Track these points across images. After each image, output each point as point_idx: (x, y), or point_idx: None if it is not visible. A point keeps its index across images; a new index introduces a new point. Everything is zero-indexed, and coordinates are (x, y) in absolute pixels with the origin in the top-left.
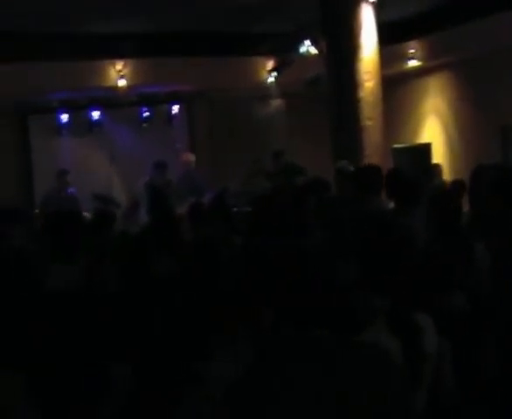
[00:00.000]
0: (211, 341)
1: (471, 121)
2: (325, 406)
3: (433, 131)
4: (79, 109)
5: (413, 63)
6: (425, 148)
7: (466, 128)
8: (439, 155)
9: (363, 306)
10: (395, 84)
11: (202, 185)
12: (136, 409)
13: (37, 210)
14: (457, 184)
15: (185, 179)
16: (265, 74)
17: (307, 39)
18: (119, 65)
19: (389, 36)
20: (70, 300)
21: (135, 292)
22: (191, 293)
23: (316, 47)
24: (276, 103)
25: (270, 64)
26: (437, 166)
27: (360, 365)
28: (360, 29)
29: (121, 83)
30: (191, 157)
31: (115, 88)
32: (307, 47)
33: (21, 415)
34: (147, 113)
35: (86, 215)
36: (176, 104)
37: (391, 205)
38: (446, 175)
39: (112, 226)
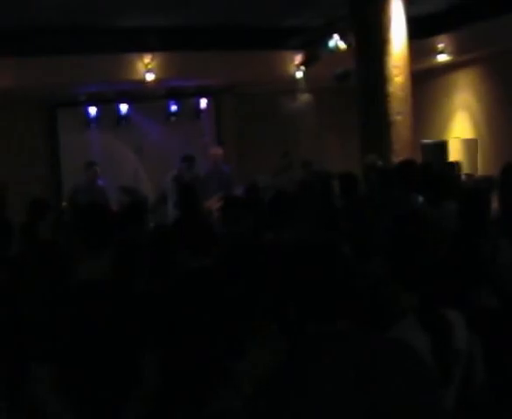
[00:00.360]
0: (241, 339)
1: (501, 117)
2: (343, 405)
3: (463, 126)
4: (107, 102)
5: (443, 57)
6: (453, 144)
7: (495, 124)
8: (467, 151)
9: (391, 303)
10: (424, 79)
11: (230, 179)
12: (165, 405)
13: (65, 202)
14: (486, 181)
15: (214, 173)
16: (293, 68)
17: (335, 33)
18: (147, 59)
19: (418, 30)
20: (99, 292)
21: (163, 288)
22: (221, 290)
23: (345, 41)
24: (305, 97)
25: (299, 58)
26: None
27: (380, 361)
28: (389, 23)
29: (149, 77)
30: (220, 151)
31: (143, 82)
32: (336, 41)
33: (52, 407)
34: (174, 107)
35: (114, 207)
36: (204, 98)
37: (421, 199)
38: (476, 171)
39: (144, 218)
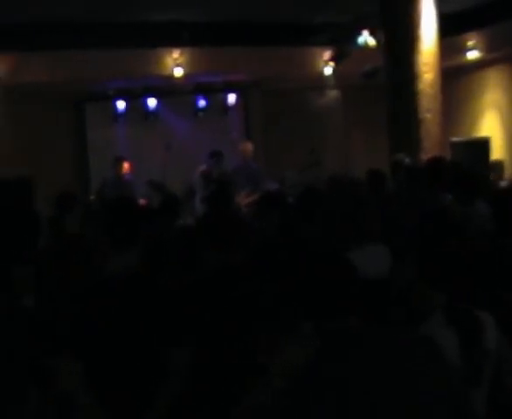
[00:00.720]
0: (274, 335)
1: None
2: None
3: (492, 125)
4: (135, 97)
5: (473, 55)
6: (484, 142)
7: None
8: (498, 150)
9: (419, 301)
10: (454, 76)
11: (259, 175)
12: (194, 401)
13: (92, 196)
14: None
15: (242, 168)
16: (322, 65)
17: (365, 30)
18: (175, 54)
19: (448, 27)
20: (126, 287)
21: (191, 284)
22: (250, 287)
23: (375, 38)
24: (333, 94)
25: (327, 54)
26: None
27: (380, 361)
28: (419, 20)
29: (178, 72)
30: (250, 146)
31: (171, 77)
32: (366, 38)
33: (80, 401)
34: (202, 103)
35: (141, 202)
36: (232, 93)
37: (450, 197)
38: (506, 170)
39: (177, 213)
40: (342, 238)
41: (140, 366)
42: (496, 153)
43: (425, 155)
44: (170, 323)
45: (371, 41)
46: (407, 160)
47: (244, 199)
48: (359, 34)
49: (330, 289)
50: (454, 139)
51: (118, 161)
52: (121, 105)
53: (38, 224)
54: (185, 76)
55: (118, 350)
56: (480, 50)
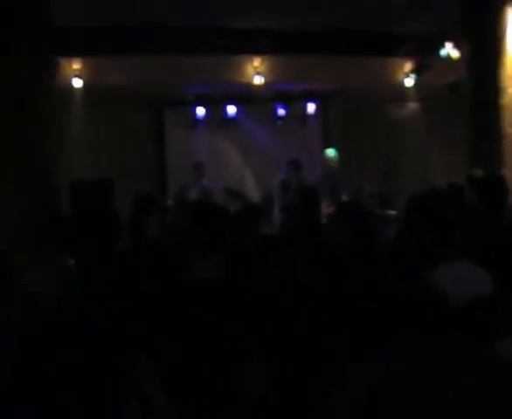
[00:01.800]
0: (355, 344)
1: None
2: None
3: None
4: (214, 103)
5: None
6: None
7: None
8: None
9: (504, 313)
10: None
11: (341, 185)
12: (271, 409)
13: (170, 201)
14: None
15: (325, 179)
16: (403, 76)
17: (448, 42)
18: (256, 62)
19: None
20: (210, 291)
21: (273, 291)
22: (336, 298)
23: (458, 50)
24: (413, 106)
25: (409, 65)
26: None
27: (449, 379)
28: (504, 32)
29: (258, 79)
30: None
31: (251, 84)
32: (449, 50)
33: (157, 402)
34: (282, 111)
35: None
36: (312, 102)
37: None
38: None
39: (257, 224)
40: (435, 252)
41: (217, 373)
42: None
43: (508, 171)
44: (250, 333)
45: (454, 53)
46: (480, 174)
47: (325, 209)
48: (442, 46)
49: (411, 312)
50: None
51: (198, 167)
52: (200, 111)
53: (118, 226)
54: (265, 84)
55: (196, 356)
56: None
